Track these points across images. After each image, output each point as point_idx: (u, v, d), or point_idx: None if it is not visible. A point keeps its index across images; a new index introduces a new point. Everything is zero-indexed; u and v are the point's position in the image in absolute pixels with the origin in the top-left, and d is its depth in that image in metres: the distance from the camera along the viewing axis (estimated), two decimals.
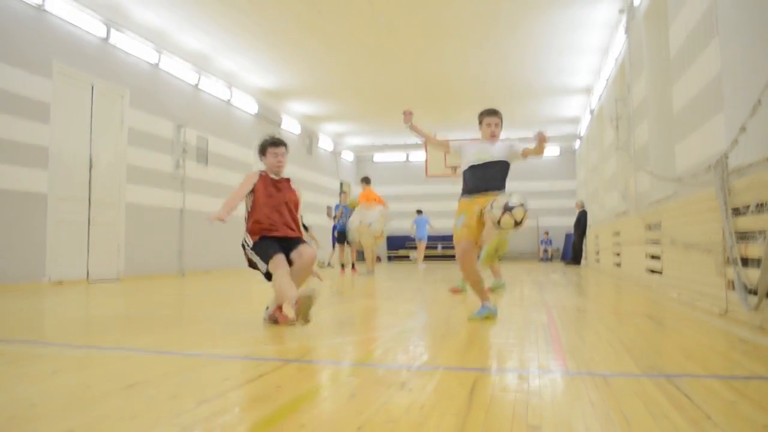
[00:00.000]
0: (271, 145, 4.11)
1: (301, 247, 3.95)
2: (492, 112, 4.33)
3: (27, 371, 2.43)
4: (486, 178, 4.16)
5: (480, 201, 4.06)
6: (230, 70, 12.11)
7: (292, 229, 3.99)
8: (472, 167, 4.23)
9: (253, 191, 4.00)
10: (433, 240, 17.62)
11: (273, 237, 3.89)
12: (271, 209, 3.95)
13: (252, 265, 3.96)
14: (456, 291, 6.18)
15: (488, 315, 3.99)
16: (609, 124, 10.29)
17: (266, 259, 3.80)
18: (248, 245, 3.93)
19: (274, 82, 13.18)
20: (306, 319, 3.37)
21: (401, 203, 19.27)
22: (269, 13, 9.27)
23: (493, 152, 4.22)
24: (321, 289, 3.58)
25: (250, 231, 3.93)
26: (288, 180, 4.19)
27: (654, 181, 7.17)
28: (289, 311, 3.85)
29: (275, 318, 3.82)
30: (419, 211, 15.34)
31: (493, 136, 4.30)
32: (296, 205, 4.14)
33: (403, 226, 19.95)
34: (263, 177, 4.06)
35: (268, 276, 3.85)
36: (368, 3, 8.87)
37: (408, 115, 4.49)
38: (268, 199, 3.97)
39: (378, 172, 21.18)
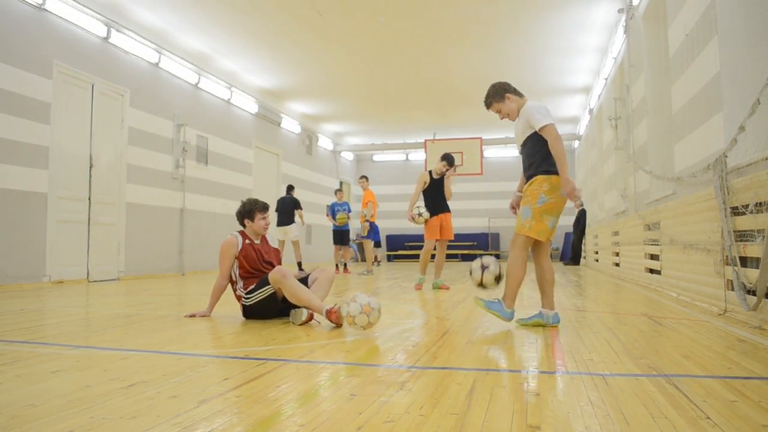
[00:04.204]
0: (261, 210, 4.21)
1: (317, 271, 4.22)
2: (486, 107, 3.95)
3: (27, 371, 2.44)
4: (524, 161, 3.77)
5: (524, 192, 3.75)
6: (230, 70, 12.11)
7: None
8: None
9: (236, 258, 4.14)
10: None
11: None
12: (257, 270, 4.13)
13: (251, 313, 4.06)
14: (418, 287, 6.82)
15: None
16: (608, 123, 10.30)
17: (266, 282, 3.95)
18: (249, 292, 4.04)
19: (274, 82, 13.18)
20: (339, 323, 3.58)
21: (401, 203, 19.26)
22: (270, 13, 9.28)
23: (516, 130, 3.83)
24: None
25: (247, 286, 4.09)
26: (264, 236, 4.33)
27: (653, 181, 7.17)
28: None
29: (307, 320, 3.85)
30: None
31: (506, 118, 3.85)
32: (279, 260, 4.33)
33: (401, 226, 20.00)
34: (246, 245, 4.16)
35: (281, 301, 3.96)
36: (368, 4, 8.87)
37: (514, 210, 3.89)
38: (252, 262, 4.13)
39: (378, 172, 21.20)
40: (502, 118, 3.90)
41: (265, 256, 4.21)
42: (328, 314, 3.61)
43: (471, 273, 3.99)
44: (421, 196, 7.07)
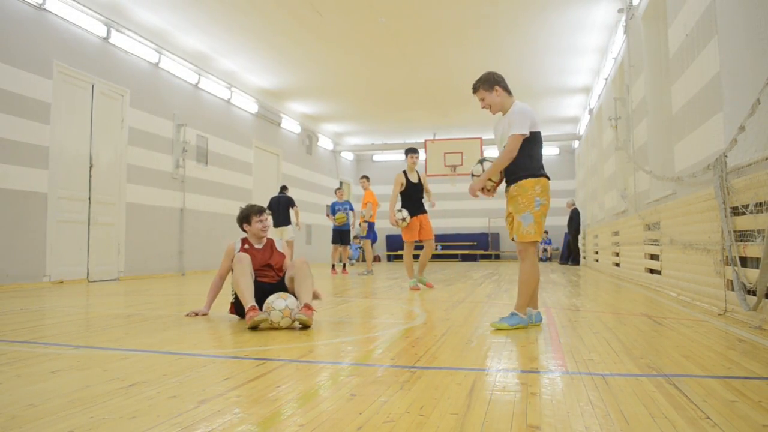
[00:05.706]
0: (256, 213, 4.24)
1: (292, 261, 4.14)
2: (473, 90, 3.84)
3: (27, 371, 2.44)
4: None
5: (508, 195, 3.73)
6: (230, 70, 12.11)
7: (279, 277, 4.15)
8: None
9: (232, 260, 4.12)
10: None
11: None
12: (256, 272, 4.07)
13: (240, 308, 4.02)
14: (414, 289, 6.76)
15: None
16: (608, 123, 10.29)
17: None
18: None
19: (274, 82, 13.18)
20: (254, 327, 3.58)
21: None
22: (269, 13, 9.28)
23: (500, 129, 3.73)
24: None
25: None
26: (270, 241, 4.29)
27: (653, 181, 7.17)
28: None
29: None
30: None
31: (487, 109, 3.79)
32: (280, 267, 4.21)
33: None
34: (243, 249, 4.14)
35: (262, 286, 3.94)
36: (368, 4, 8.87)
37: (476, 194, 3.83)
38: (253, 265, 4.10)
39: (378, 172, 21.17)
40: (483, 107, 3.84)
41: (265, 260, 4.14)
42: (247, 311, 3.64)
43: (473, 174, 3.85)
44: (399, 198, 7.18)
